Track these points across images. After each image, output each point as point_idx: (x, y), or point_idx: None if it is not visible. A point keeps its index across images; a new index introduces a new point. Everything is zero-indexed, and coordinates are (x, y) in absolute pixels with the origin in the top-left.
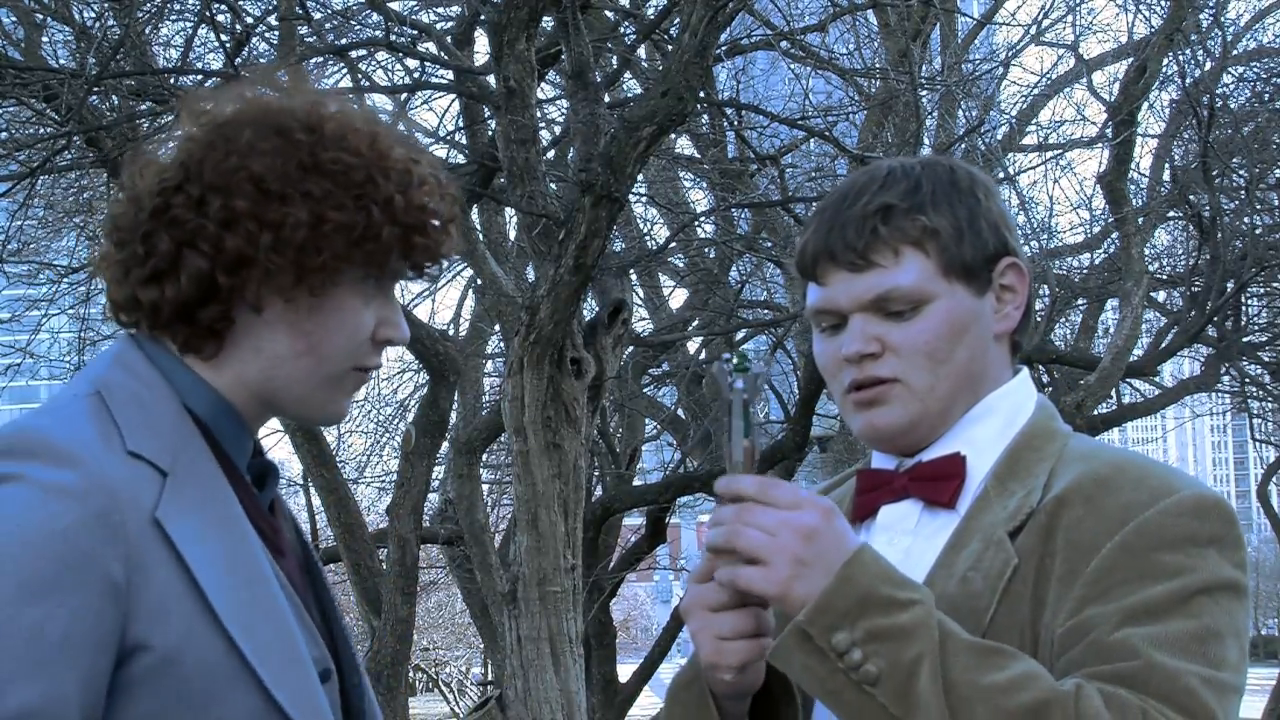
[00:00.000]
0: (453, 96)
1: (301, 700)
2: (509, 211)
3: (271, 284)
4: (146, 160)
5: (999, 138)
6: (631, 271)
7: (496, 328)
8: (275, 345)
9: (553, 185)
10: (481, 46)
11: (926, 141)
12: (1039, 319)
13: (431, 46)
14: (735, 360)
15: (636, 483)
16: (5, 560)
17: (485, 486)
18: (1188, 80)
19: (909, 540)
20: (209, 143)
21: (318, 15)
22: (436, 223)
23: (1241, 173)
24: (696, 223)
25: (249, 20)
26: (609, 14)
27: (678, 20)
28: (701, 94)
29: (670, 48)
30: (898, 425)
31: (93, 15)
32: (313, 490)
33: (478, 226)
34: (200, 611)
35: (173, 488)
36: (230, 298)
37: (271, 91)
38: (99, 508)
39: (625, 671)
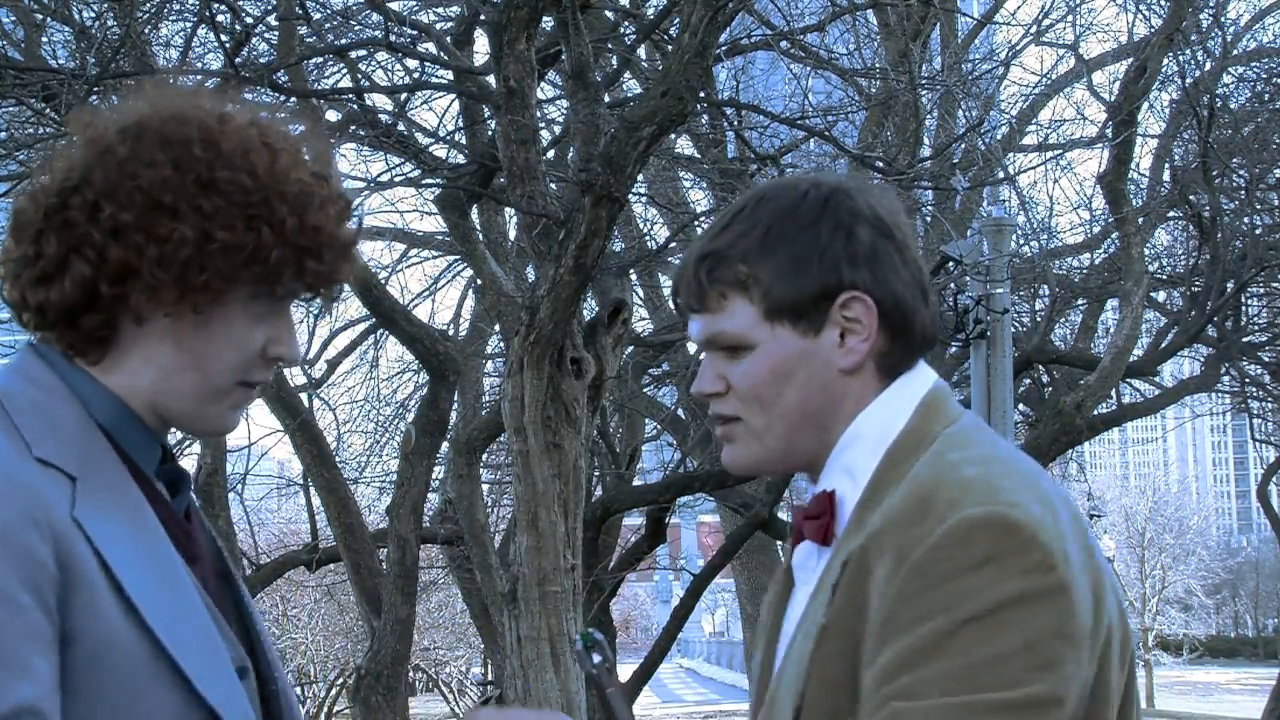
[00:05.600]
0: (453, 96)
1: (225, 696)
2: (509, 211)
3: (154, 298)
4: (58, 156)
5: (999, 138)
6: (631, 271)
7: (496, 328)
8: (162, 357)
9: (553, 185)
10: (481, 46)
11: (926, 141)
12: (1039, 319)
13: (431, 46)
14: (583, 639)
15: (636, 483)
16: None
17: (485, 486)
18: (1188, 80)
19: (811, 583)
20: (108, 147)
21: (318, 15)
22: (335, 246)
23: (1241, 173)
24: (696, 223)
25: (249, 20)
26: (609, 14)
27: (678, 20)
28: (701, 94)
29: (670, 48)
30: (745, 464)
31: (93, 15)
32: (313, 490)
33: (478, 226)
34: (123, 611)
35: (84, 491)
36: (112, 307)
37: (180, 98)
38: (27, 506)
39: (625, 671)
